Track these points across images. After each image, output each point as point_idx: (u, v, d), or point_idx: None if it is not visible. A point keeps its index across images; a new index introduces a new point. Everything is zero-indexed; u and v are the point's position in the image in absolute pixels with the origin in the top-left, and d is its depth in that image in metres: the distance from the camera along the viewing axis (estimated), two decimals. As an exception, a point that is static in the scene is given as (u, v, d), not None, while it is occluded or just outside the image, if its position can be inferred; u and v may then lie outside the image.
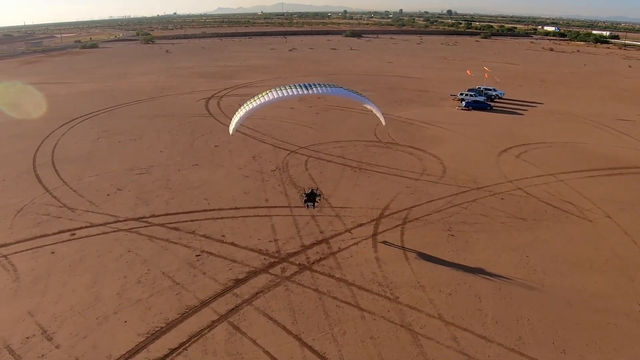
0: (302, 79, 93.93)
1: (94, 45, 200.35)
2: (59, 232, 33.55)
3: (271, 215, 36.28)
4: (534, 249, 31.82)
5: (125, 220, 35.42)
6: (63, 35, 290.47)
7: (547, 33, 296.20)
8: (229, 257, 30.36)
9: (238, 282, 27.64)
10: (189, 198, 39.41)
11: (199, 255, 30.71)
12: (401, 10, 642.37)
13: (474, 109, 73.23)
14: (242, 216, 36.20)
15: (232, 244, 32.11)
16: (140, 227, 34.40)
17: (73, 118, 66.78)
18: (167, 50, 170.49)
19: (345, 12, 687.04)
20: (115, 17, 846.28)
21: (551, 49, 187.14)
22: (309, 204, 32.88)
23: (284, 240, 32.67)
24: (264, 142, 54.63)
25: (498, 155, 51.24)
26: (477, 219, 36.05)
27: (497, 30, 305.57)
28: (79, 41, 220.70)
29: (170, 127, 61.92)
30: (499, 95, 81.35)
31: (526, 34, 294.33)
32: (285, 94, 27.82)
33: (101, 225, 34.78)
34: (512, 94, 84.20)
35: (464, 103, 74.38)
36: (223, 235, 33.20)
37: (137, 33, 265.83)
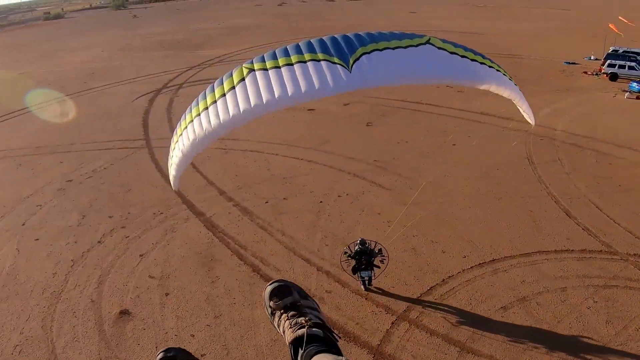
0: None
1: (59, 16, 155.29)
2: None
3: None
4: None
5: None
6: (40, 9, 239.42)
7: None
8: None
9: None
10: None
11: None
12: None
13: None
14: None
15: None
16: None
17: None
18: (135, 15, 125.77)
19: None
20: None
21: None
22: (364, 274, 12.45)
23: None
24: (258, 274, 16.11)
25: None
26: None
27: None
28: (48, 12, 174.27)
29: (13, 209, 22.86)
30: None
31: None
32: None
33: None
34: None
35: (634, 85, 34.23)
36: None
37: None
